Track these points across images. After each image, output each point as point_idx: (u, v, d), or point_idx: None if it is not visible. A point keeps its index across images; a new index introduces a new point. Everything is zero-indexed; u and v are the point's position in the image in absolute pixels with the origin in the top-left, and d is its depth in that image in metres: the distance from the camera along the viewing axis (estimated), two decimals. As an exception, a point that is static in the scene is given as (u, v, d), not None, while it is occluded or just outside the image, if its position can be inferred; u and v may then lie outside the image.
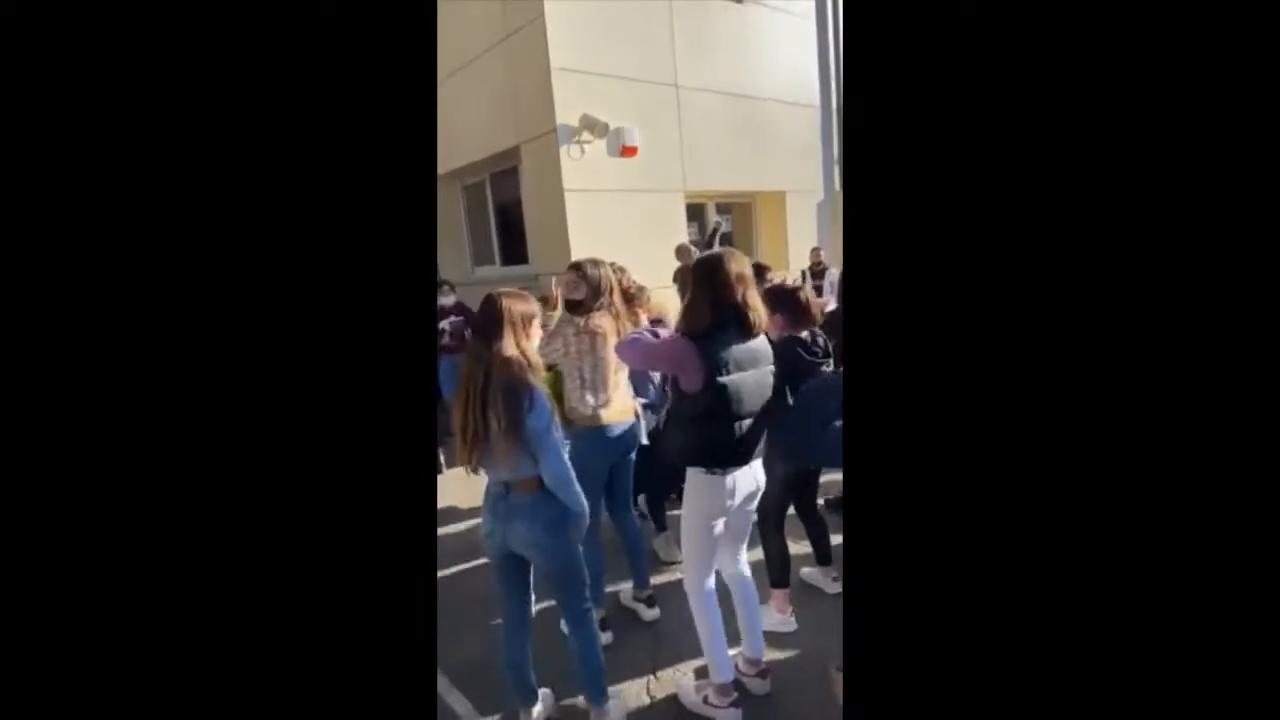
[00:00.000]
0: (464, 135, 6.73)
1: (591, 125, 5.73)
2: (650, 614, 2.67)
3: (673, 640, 2.52)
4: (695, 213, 7.07)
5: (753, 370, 1.87)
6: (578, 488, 1.81)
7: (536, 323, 1.87)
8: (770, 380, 1.95)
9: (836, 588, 2.79)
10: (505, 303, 1.81)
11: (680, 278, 4.16)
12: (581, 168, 5.81)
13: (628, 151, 5.99)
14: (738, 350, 1.84)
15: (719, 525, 1.98)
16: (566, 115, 5.65)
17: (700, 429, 1.85)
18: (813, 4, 7.79)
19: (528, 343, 1.82)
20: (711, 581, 2.06)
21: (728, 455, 1.88)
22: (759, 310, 1.89)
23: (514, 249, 7.02)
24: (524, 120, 6.03)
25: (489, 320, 1.79)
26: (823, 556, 2.79)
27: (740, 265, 1.90)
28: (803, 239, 7.78)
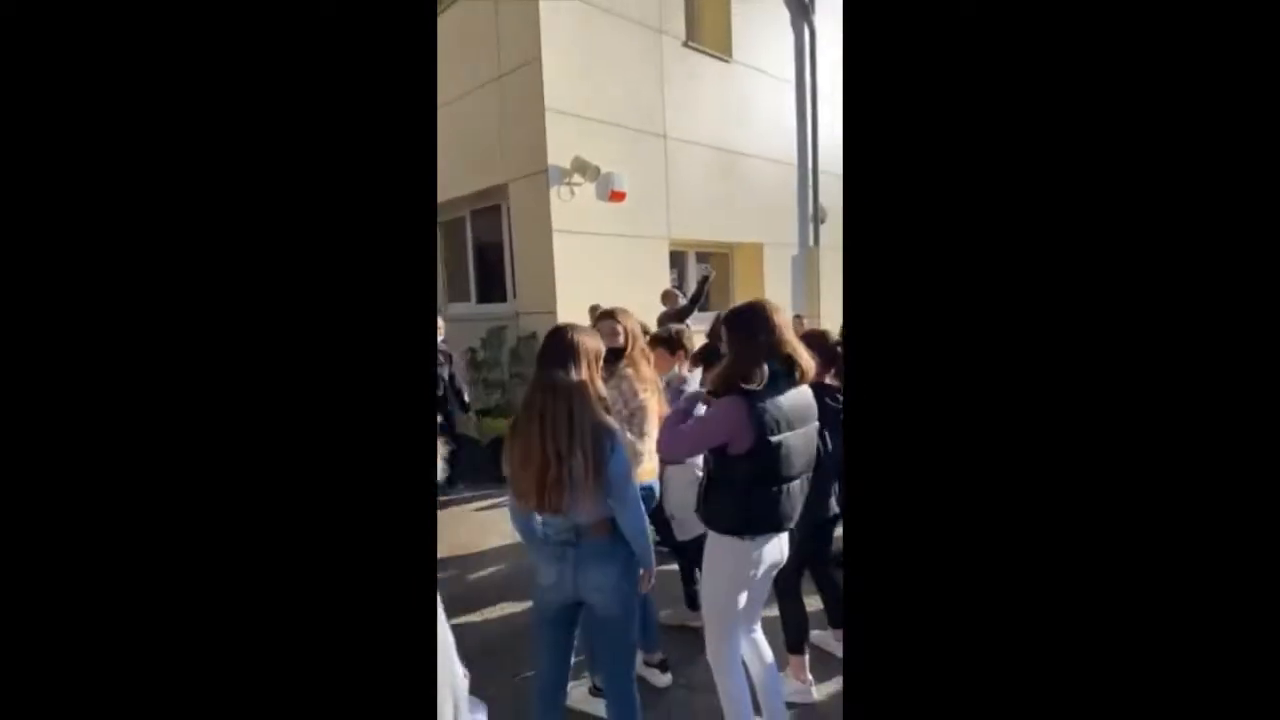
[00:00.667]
0: (444, 171, 6.66)
1: (583, 168, 5.73)
2: (663, 680, 2.51)
3: (687, 708, 2.37)
4: (675, 260, 7.11)
5: (801, 428, 1.78)
6: (650, 539, 1.70)
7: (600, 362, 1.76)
8: (815, 438, 1.87)
9: None
10: (578, 336, 1.68)
11: (715, 330, 4.03)
12: (570, 209, 5.78)
13: (616, 197, 6.00)
14: (787, 405, 1.75)
15: (744, 595, 1.86)
16: (558, 157, 5.65)
17: (744, 494, 1.73)
18: (793, 68, 8.13)
19: (600, 383, 1.70)
20: (739, 653, 1.93)
21: (767, 522, 1.76)
22: (806, 358, 1.79)
23: (491, 287, 6.89)
24: (513, 158, 5.99)
25: (563, 352, 1.65)
26: (835, 619, 2.69)
27: (780, 311, 1.82)
28: (778, 291, 7.90)
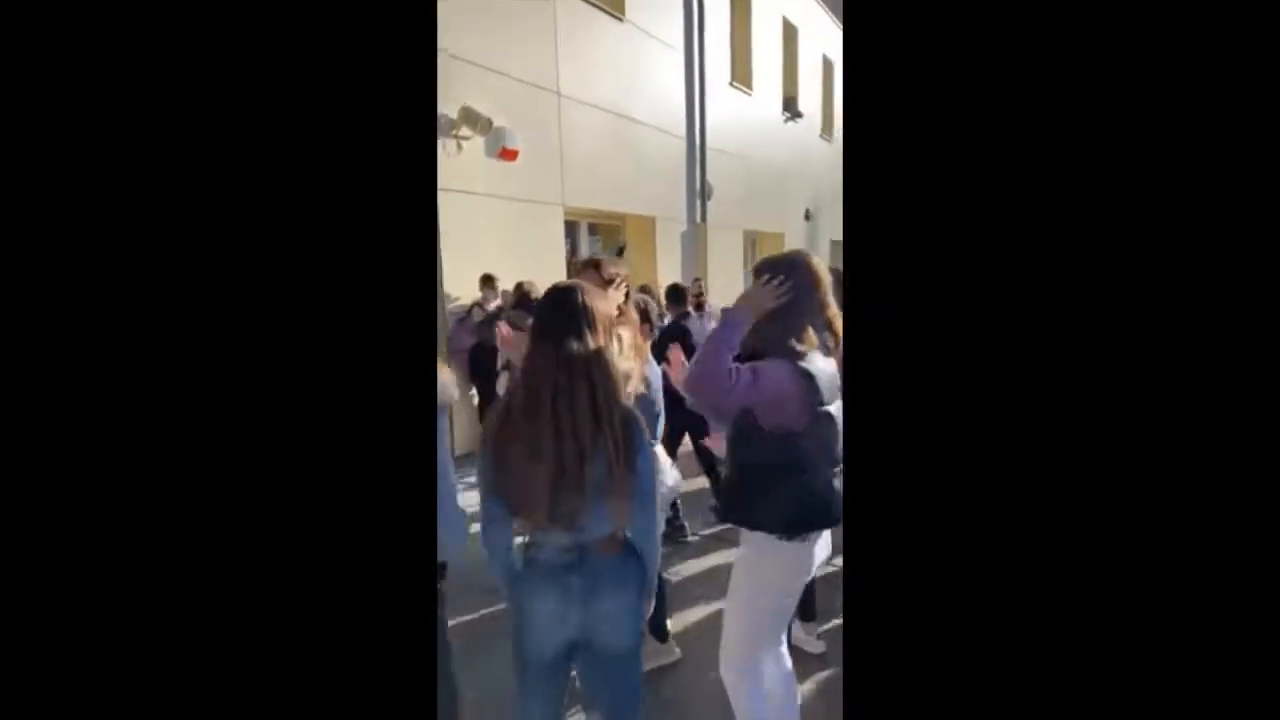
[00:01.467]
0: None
1: (472, 120, 5.08)
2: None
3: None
4: (567, 231, 6.64)
5: (837, 404, 1.49)
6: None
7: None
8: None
9: (820, 646, 2.50)
10: (589, 297, 1.27)
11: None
12: (456, 166, 5.12)
13: (507, 155, 5.40)
14: (827, 377, 1.46)
15: (791, 605, 1.58)
16: (446, 105, 4.95)
17: (797, 481, 1.43)
18: (682, 36, 7.88)
19: (618, 356, 1.30)
20: (765, 671, 1.63)
21: (824, 516, 1.46)
22: (840, 324, 1.51)
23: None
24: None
25: (575, 316, 1.24)
26: (807, 612, 2.48)
27: (824, 266, 1.53)
28: (669, 267, 7.69)
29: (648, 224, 7.61)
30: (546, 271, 5.53)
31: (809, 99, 11.48)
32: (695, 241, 8.32)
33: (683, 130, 8.04)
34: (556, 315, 1.26)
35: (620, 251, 5.30)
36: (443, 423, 1.31)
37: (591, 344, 1.23)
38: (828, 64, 12.49)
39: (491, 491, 1.27)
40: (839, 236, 13.71)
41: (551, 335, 1.24)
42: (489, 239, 5.35)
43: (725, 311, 1.51)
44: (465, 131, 5.12)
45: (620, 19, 6.86)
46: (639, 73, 7.20)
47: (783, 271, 1.46)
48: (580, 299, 1.26)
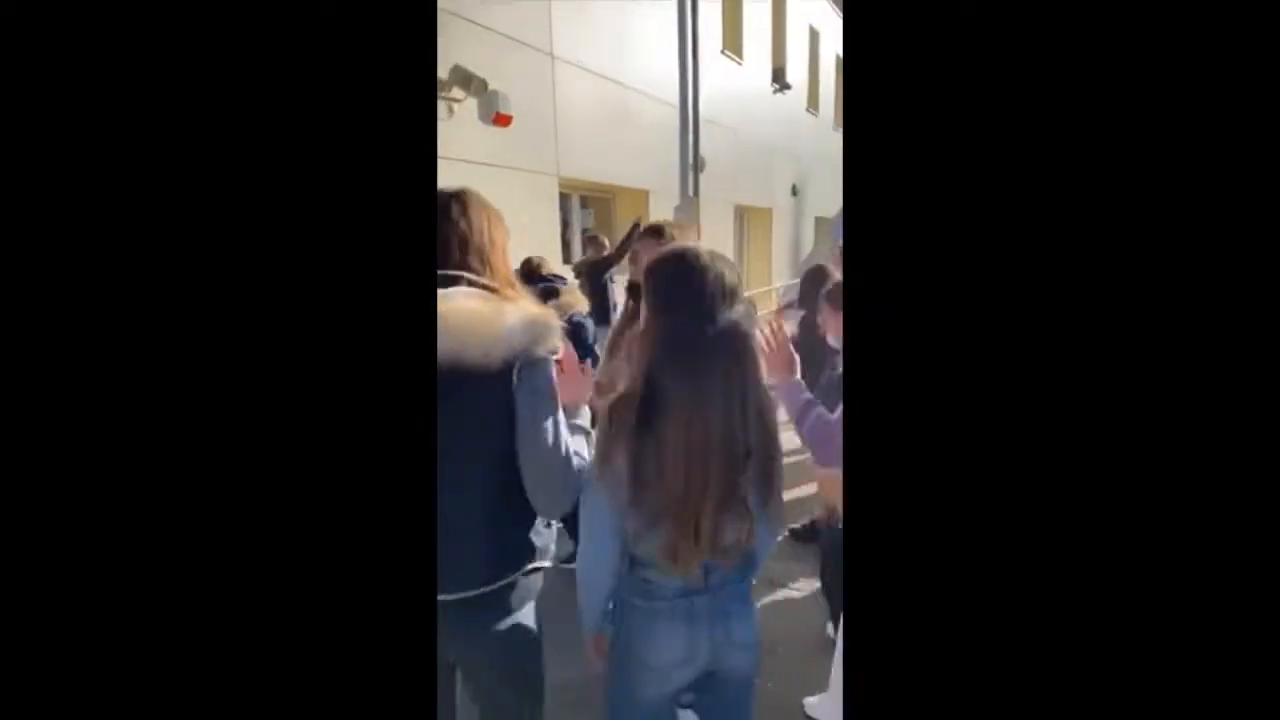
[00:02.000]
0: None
1: (465, 80, 4.70)
2: None
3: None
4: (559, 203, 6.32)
5: None
6: None
7: None
8: None
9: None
10: (720, 263, 1.05)
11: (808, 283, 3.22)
12: (448, 132, 4.75)
13: (501, 120, 5.04)
14: None
15: None
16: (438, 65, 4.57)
17: None
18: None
19: None
20: None
21: None
22: None
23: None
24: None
25: (714, 285, 1.02)
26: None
27: None
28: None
29: (639, 197, 7.31)
30: (540, 247, 5.23)
31: (796, 71, 11.20)
32: (689, 216, 8.05)
33: (675, 99, 7.73)
34: (689, 281, 1.02)
35: (636, 224, 5.03)
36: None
37: (729, 319, 1.01)
38: (814, 34, 12.19)
39: (627, 510, 1.03)
40: (824, 213, 13.57)
41: (698, 303, 1.01)
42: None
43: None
44: (457, 93, 4.75)
45: (614, -23, 6.49)
46: (633, 37, 6.84)
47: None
48: (714, 265, 1.03)
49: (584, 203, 6.95)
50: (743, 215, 9.96)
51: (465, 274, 1.08)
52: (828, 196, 13.59)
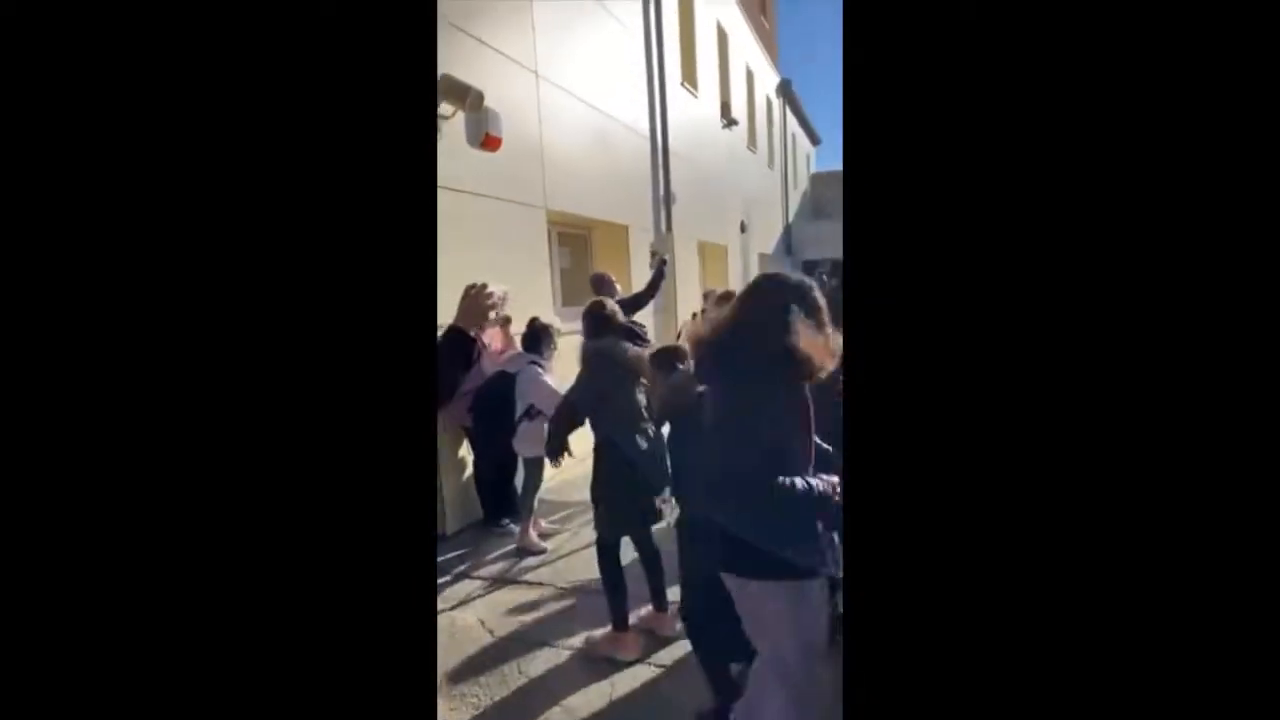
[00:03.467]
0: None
1: (458, 92, 3.92)
2: None
3: None
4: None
5: None
6: None
7: None
8: None
9: None
10: None
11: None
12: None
13: (491, 144, 4.27)
14: None
15: None
16: (424, 71, 3.77)
17: None
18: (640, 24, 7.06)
19: None
20: None
21: None
22: None
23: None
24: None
25: None
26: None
27: None
28: (642, 280, 6.79)
29: (619, 232, 6.68)
30: (532, 286, 4.47)
31: (737, 108, 11.10)
32: (666, 253, 7.47)
33: (645, 128, 7.22)
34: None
35: (663, 261, 4.37)
36: None
37: None
38: (750, 74, 12.23)
39: None
40: (767, 249, 13.51)
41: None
42: (475, 245, 4.18)
43: None
44: (445, 108, 3.96)
45: (591, -4, 5.94)
46: (609, 61, 6.29)
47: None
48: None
49: (562, 239, 6.22)
50: (702, 251, 9.55)
51: None
52: (767, 234, 13.57)
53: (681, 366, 2.06)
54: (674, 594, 2.85)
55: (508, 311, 3.92)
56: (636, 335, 2.60)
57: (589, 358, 2.48)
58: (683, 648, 2.61)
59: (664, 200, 7.57)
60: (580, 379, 2.47)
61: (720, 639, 2.10)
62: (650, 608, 2.79)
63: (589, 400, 2.42)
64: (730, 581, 1.49)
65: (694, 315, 4.73)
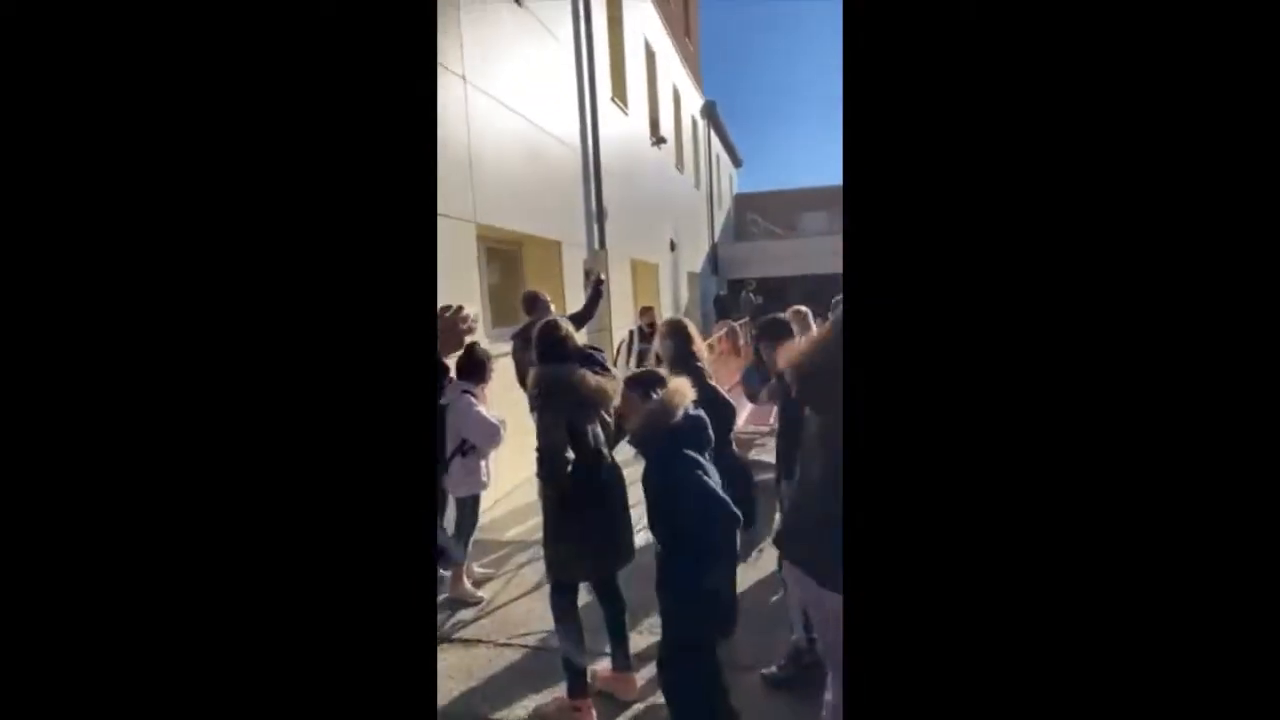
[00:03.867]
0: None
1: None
2: None
3: None
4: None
5: None
6: None
7: None
8: None
9: None
10: None
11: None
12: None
13: (416, 150, 3.92)
14: None
15: None
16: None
17: None
18: (571, 33, 6.86)
19: None
20: None
21: None
22: None
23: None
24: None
25: None
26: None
27: None
28: (576, 298, 6.51)
29: (551, 249, 6.38)
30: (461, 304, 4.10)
31: (667, 127, 11.09)
32: (600, 270, 7.23)
33: (575, 141, 6.99)
34: None
35: (599, 279, 4.11)
36: None
37: None
38: (677, 94, 12.28)
39: None
40: (695, 268, 13.53)
41: None
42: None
43: None
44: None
45: (519, 3, 5.67)
46: (540, 71, 6.03)
47: None
48: None
49: (491, 256, 5.86)
50: (635, 269, 9.38)
51: None
52: (695, 253, 13.61)
53: (659, 392, 1.82)
54: (636, 643, 2.57)
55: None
56: (595, 361, 2.31)
57: (548, 387, 2.17)
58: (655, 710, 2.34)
59: (597, 216, 7.35)
60: (545, 417, 2.15)
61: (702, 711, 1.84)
62: (608, 664, 2.49)
63: (561, 439, 2.12)
64: (829, 600, 1.46)
65: (722, 336, 4.53)
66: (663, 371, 2.08)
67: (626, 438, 1.98)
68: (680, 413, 1.79)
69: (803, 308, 3.81)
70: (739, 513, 1.68)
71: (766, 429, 6.29)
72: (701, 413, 1.87)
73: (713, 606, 1.69)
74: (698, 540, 1.67)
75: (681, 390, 1.82)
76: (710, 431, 1.88)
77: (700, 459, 1.75)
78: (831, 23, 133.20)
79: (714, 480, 1.72)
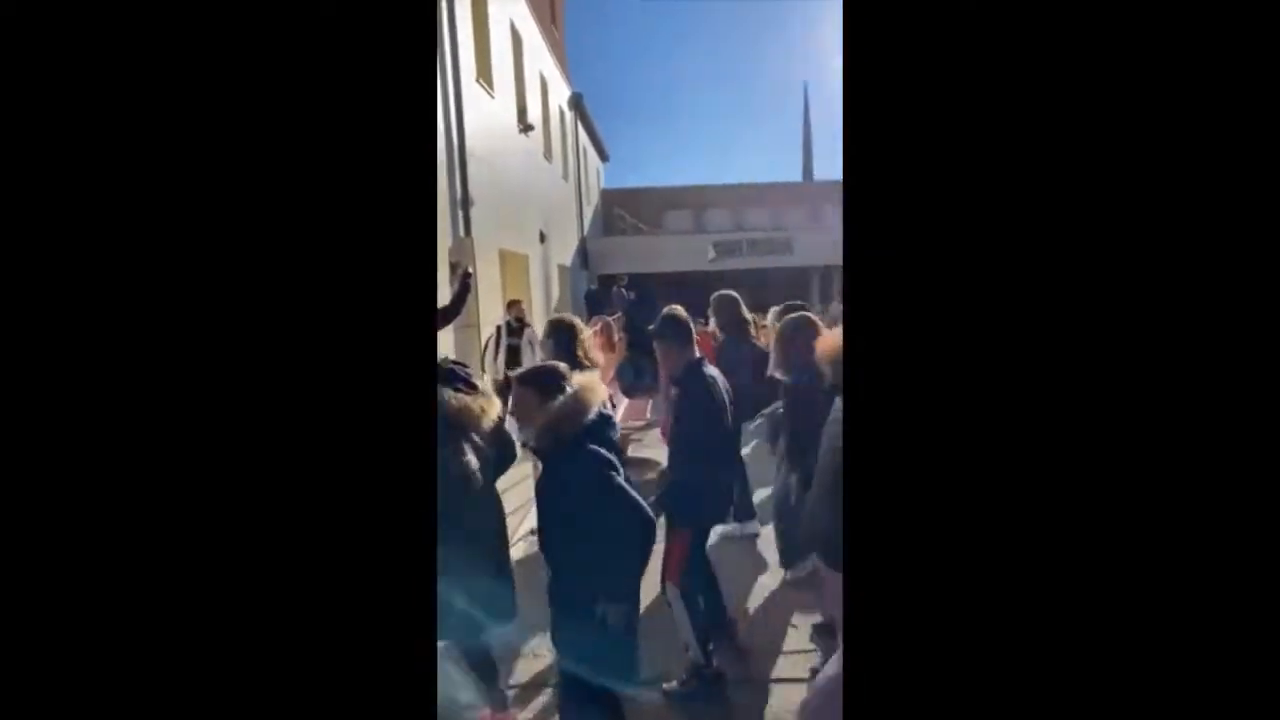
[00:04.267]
0: None
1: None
2: None
3: None
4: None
5: None
6: None
7: None
8: None
9: None
10: None
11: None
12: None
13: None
14: None
15: None
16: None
17: None
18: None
19: None
20: None
21: None
22: None
23: None
24: None
25: None
26: None
27: None
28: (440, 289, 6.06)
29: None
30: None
31: (534, 115, 10.74)
32: (465, 259, 6.79)
33: (440, 124, 6.51)
34: None
35: (467, 272, 3.76)
36: None
37: None
38: (545, 82, 11.95)
39: None
40: (565, 261, 13.28)
41: None
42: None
43: None
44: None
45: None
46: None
47: None
48: None
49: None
50: (504, 260, 8.98)
51: None
52: (563, 247, 13.38)
53: (569, 389, 1.61)
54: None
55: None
56: (459, 377, 1.99)
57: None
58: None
59: (461, 203, 6.91)
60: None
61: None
62: (486, 713, 2.25)
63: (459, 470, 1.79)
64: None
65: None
66: (561, 366, 1.84)
67: (524, 444, 1.74)
68: (594, 411, 1.60)
69: (678, 307, 3.77)
70: (654, 517, 1.52)
71: (642, 423, 6.26)
72: (610, 410, 1.70)
73: (613, 627, 1.53)
74: (606, 552, 1.50)
75: (594, 386, 1.63)
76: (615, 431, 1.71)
77: (613, 459, 1.58)
78: (704, 23, 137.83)
79: (626, 482, 1.55)
